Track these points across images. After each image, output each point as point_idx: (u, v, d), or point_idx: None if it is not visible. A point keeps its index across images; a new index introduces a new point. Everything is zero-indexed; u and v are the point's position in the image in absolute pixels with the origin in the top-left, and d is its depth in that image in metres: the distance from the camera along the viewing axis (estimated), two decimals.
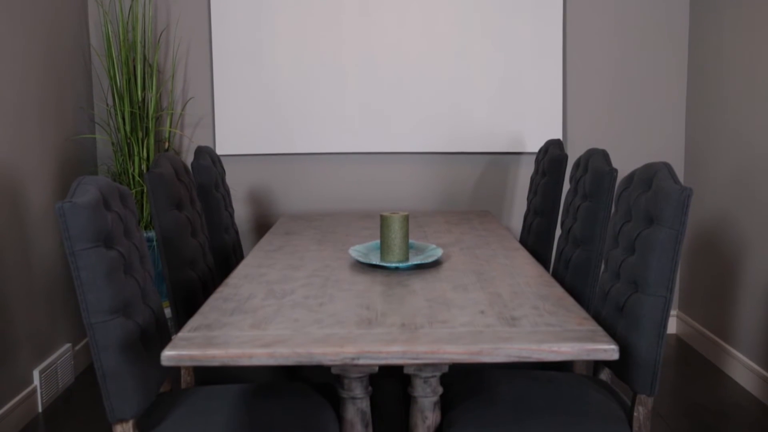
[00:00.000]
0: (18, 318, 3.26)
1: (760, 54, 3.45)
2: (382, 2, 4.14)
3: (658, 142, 4.29)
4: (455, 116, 4.21)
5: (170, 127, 4.16)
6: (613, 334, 2.13)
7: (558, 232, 4.22)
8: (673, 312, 4.42)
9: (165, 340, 2.24)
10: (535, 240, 3.38)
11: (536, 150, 4.23)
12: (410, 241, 2.88)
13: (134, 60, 3.98)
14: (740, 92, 3.64)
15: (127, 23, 4.04)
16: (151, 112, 4.00)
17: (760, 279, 3.49)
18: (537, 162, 3.60)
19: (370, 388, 1.99)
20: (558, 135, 4.21)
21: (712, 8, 3.94)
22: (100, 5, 4.12)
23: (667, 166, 2.08)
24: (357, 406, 1.99)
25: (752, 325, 3.56)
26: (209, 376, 2.56)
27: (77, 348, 3.88)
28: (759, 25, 3.47)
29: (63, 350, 3.67)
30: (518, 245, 2.92)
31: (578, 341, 1.75)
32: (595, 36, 4.22)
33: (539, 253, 3.31)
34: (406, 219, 2.53)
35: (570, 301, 2.11)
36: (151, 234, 3.83)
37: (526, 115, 4.21)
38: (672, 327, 4.41)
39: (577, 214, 2.78)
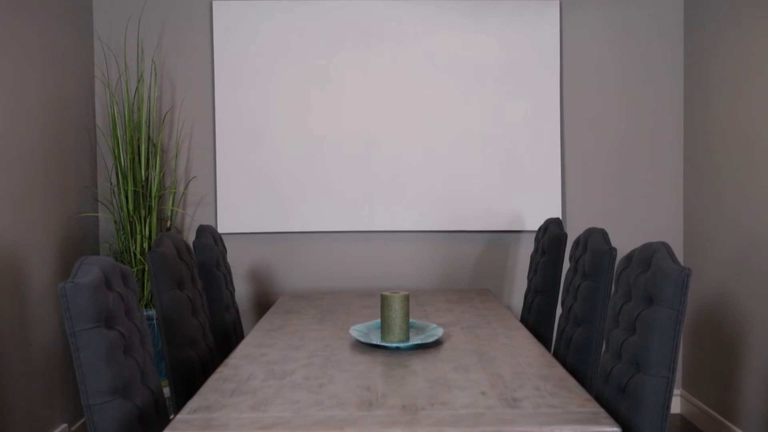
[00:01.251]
0: (14, 397, 3.23)
1: (754, 135, 3.51)
2: (382, 84, 4.23)
3: (657, 221, 4.32)
4: (455, 195, 4.25)
5: (173, 205, 4.20)
6: (616, 416, 2.11)
7: (559, 310, 4.21)
8: (677, 391, 4.37)
9: (164, 422, 2.22)
10: (535, 319, 3.37)
11: (536, 228, 4.25)
12: (411, 320, 2.87)
13: (139, 140, 4.05)
14: (737, 172, 3.69)
15: (133, 104, 4.12)
16: (154, 191, 4.04)
17: (763, 357, 3.46)
18: (537, 240, 3.62)
19: None
20: (557, 213, 4.25)
21: (705, 89, 4.02)
22: (106, 87, 4.21)
23: (665, 246, 2.09)
24: None
25: (756, 404, 3.52)
26: None
27: (73, 428, 3.82)
28: (752, 108, 3.54)
29: (59, 431, 3.62)
30: (519, 324, 2.91)
31: (580, 423, 1.74)
32: (592, 116, 4.30)
33: (540, 332, 3.30)
34: (406, 299, 2.53)
35: (572, 381, 2.09)
36: (152, 312, 3.82)
37: (525, 193, 4.25)
38: (676, 406, 4.35)
39: (578, 293, 2.78)
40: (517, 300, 4.32)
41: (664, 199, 4.32)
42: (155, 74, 4.22)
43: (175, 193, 4.23)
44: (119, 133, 4.05)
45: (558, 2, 4.24)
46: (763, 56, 3.45)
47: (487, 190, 4.25)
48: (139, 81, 4.15)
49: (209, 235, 3.29)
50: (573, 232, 4.32)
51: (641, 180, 4.32)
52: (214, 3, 4.22)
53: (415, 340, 2.56)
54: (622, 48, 4.29)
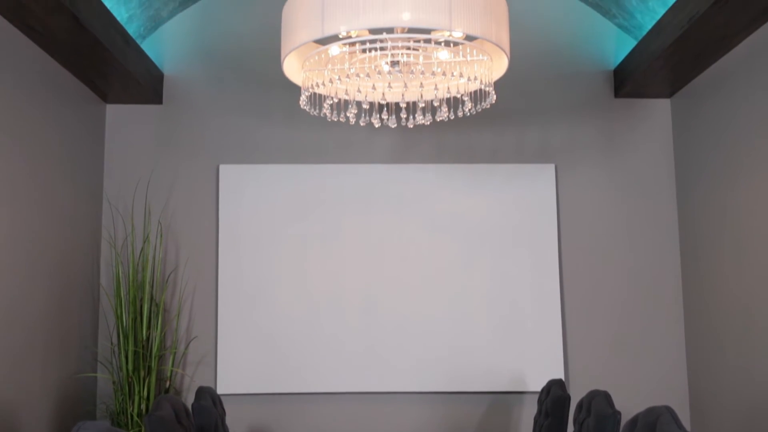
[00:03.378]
0: None
1: (753, 292, 3.54)
2: (382, 244, 4.30)
3: (661, 381, 4.27)
4: (456, 355, 4.23)
5: (173, 366, 4.16)
6: None
7: None
8: None
9: None
10: None
11: (538, 389, 4.19)
12: None
13: (141, 299, 4.08)
14: (740, 330, 3.69)
15: (138, 264, 4.18)
16: (154, 351, 4.03)
17: None
18: (539, 402, 3.58)
19: None
20: (560, 374, 4.20)
21: (702, 243, 4.08)
22: (112, 247, 4.28)
23: (669, 411, 2.08)
24: None
25: None
26: None
27: None
28: (753, 265, 3.58)
29: None
30: None
31: None
32: (591, 274, 4.34)
33: None
34: None
35: None
36: None
37: (526, 354, 4.23)
38: None
39: None
40: None
41: (667, 357, 4.29)
42: (161, 235, 4.30)
43: (175, 353, 4.21)
44: (123, 293, 4.08)
45: (553, 165, 4.39)
46: (750, 213, 3.53)
47: (488, 349, 4.23)
48: (144, 241, 4.23)
49: (208, 397, 3.25)
50: (576, 391, 4.26)
51: (643, 338, 4.30)
52: (220, 166, 4.37)
53: None
54: (617, 206, 4.39)
